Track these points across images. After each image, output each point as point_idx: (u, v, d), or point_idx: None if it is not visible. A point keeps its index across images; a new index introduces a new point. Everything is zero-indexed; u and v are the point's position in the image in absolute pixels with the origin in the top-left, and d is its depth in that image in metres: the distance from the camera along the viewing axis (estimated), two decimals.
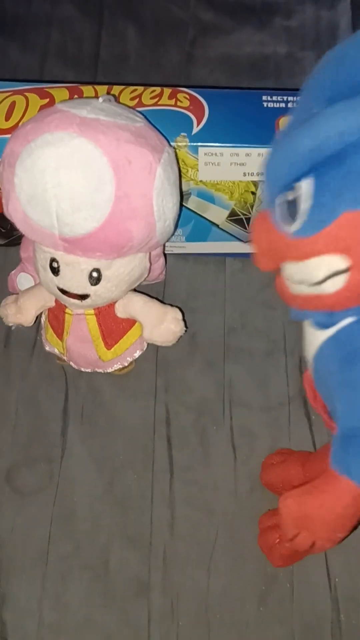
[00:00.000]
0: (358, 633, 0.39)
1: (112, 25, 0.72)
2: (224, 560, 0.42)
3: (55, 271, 0.40)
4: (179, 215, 0.42)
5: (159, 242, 0.41)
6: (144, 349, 0.48)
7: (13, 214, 0.38)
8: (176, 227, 0.42)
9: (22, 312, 0.46)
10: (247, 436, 0.47)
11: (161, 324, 0.45)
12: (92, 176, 0.35)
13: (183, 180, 0.45)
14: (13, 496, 0.45)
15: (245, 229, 0.50)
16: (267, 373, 0.49)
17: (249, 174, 0.45)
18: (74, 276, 0.40)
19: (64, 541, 0.43)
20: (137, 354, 0.48)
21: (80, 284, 0.41)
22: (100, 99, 0.38)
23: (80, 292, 0.41)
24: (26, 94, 0.46)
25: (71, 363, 0.47)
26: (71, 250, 0.38)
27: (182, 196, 0.45)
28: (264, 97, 0.46)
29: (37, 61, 0.69)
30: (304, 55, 0.68)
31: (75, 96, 0.45)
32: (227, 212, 0.49)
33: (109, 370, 0.47)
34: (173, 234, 0.42)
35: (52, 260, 0.40)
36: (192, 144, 0.43)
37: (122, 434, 0.47)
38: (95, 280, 0.40)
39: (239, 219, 0.50)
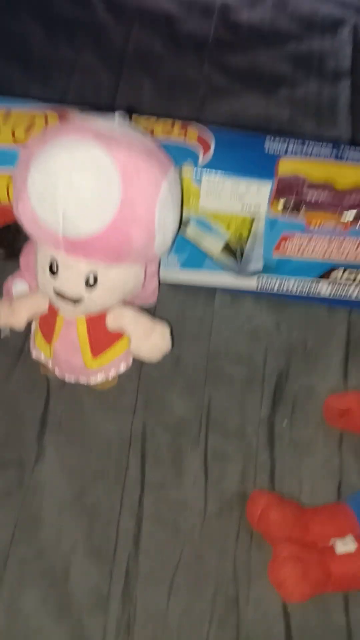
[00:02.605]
0: None
1: (130, 77, 0.78)
2: (186, 579, 0.41)
3: (53, 272, 0.42)
4: (176, 239, 0.45)
5: (155, 255, 0.43)
6: (129, 364, 0.49)
7: (22, 212, 0.40)
8: (173, 244, 0.44)
9: (15, 314, 0.47)
10: (220, 459, 0.47)
11: (149, 338, 0.46)
12: (102, 180, 0.37)
13: (184, 207, 0.48)
14: None
15: (238, 262, 0.53)
16: (244, 399, 0.50)
17: (246, 205, 0.48)
18: (71, 278, 0.42)
19: (26, 546, 0.42)
20: (122, 367, 0.48)
21: (76, 287, 0.42)
22: (116, 114, 0.41)
23: (75, 295, 0.42)
24: (47, 112, 0.49)
25: (56, 369, 0.48)
26: (72, 251, 0.40)
27: (182, 219, 0.47)
28: (267, 140, 0.49)
29: (55, 101, 0.74)
30: (305, 120, 0.74)
31: None
32: (222, 243, 0.51)
33: (92, 381, 0.48)
34: (172, 251, 0.45)
35: (52, 260, 0.42)
36: (196, 170, 0.47)
37: (97, 446, 0.47)
38: (91, 284, 0.42)
39: (233, 252, 0.52)
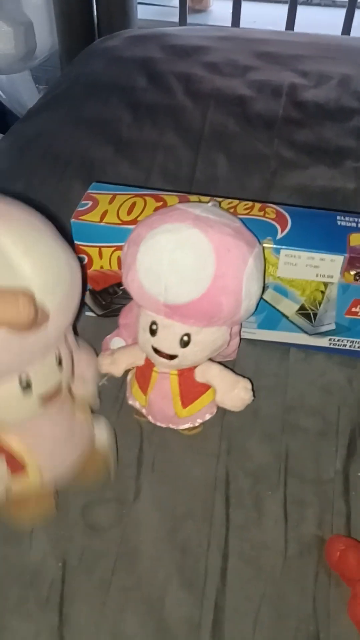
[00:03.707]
0: None
1: (207, 153, 0.87)
2: (269, 614, 0.45)
3: (153, 332, 0.49)
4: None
5: (241, 319, 0.49)
6: (214, 413, 0.54)
7: (130, 282, 0.48)
8: (256, 308, 0.50)
9: (115, 364, 0.54)
10: (299, 504, 0.51)
11: (233, 391, 0.52)
12: (199, 258, 0.44)
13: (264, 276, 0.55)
14: (85, 530, 0.50)
15: (312, 322, 0.58)
16: (320, 450, 0.54)
17: (320, 275, 0.54)
18: (168, 338, 0.49)
19: (126, 575, 0.47)
20: (207, 416, 0.54)
21: (172, 345, 0.49)
22: (210, 204, 0.48)
23: (171, 352, 0.49)
24: (145, 197, 0.58)
25: (149, 417, 0.54)
26: (170, 315, 0.47)
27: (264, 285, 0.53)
28: (338, 217, 0.56)
29: (142, 177, 0.84)
30: None
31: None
32: (297, 306, 0.57)
33: (181, 427, 0.54)
34: (253, 314, 0.51)
35: (153, 322, 0.49)
36: (275, 246, 0.53)
37: (186, 486, 0.52)
38: (185, 343, 0.48)
39: (307, 314, 0.58)
